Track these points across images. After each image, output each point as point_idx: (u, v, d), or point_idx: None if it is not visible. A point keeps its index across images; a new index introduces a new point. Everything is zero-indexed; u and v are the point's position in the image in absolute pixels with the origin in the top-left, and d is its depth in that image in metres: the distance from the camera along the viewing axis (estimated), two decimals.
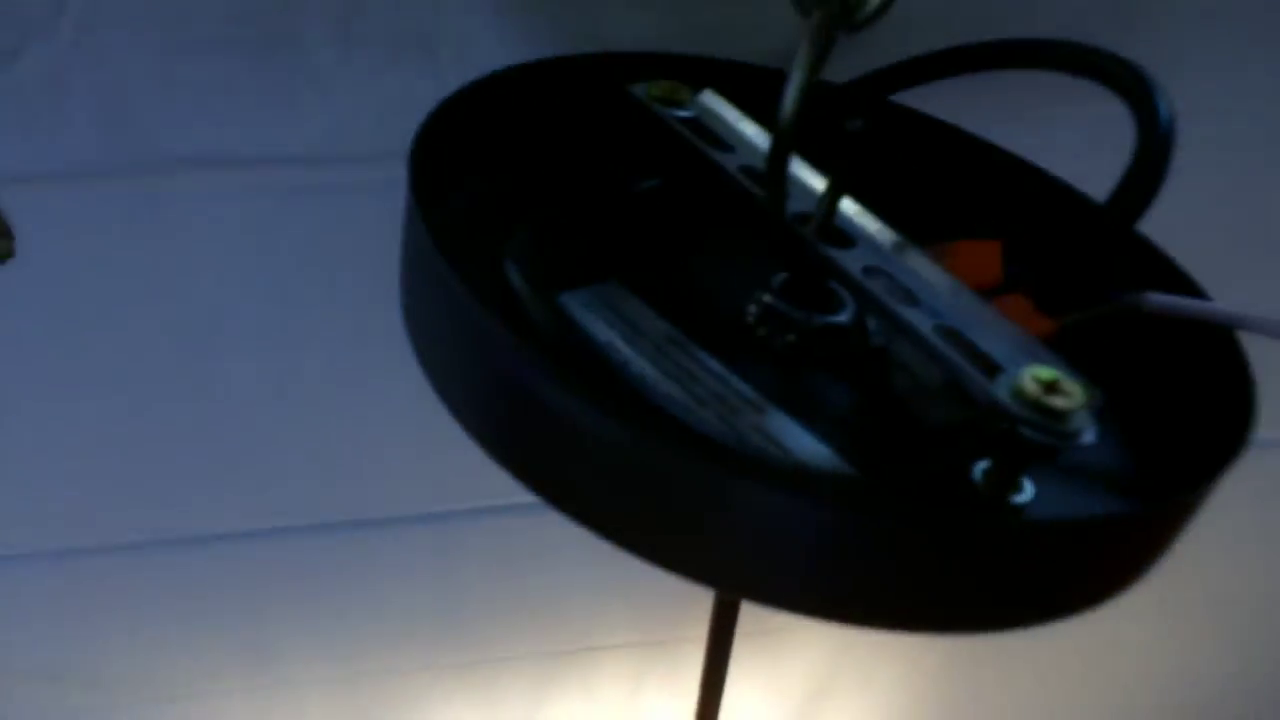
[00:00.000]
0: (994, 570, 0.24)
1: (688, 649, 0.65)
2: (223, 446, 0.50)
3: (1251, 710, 0.79)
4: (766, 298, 0.31)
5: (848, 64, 0.37)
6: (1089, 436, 0.25)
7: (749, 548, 0.24)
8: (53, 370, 0.46)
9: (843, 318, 0.31)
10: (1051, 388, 0.25)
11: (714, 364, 0.29)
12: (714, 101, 0.34)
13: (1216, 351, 0.30)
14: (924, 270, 0.29)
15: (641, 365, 0.29)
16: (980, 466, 0.27)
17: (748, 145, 0.32)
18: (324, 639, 0.60)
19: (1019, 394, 0.25)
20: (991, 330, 0.27)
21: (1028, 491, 0.27)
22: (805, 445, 0.27)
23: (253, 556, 0.55)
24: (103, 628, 0.57)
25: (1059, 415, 0.24)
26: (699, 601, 0.63)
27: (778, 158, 0.28)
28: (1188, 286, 0.32)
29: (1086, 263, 0.30)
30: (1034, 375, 0.25)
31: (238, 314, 0.46)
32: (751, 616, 0.64)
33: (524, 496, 0.55)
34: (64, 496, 0.51)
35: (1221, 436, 0.27)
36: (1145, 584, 0.70)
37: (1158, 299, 0.30)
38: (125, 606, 0.56)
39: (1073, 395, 0.25)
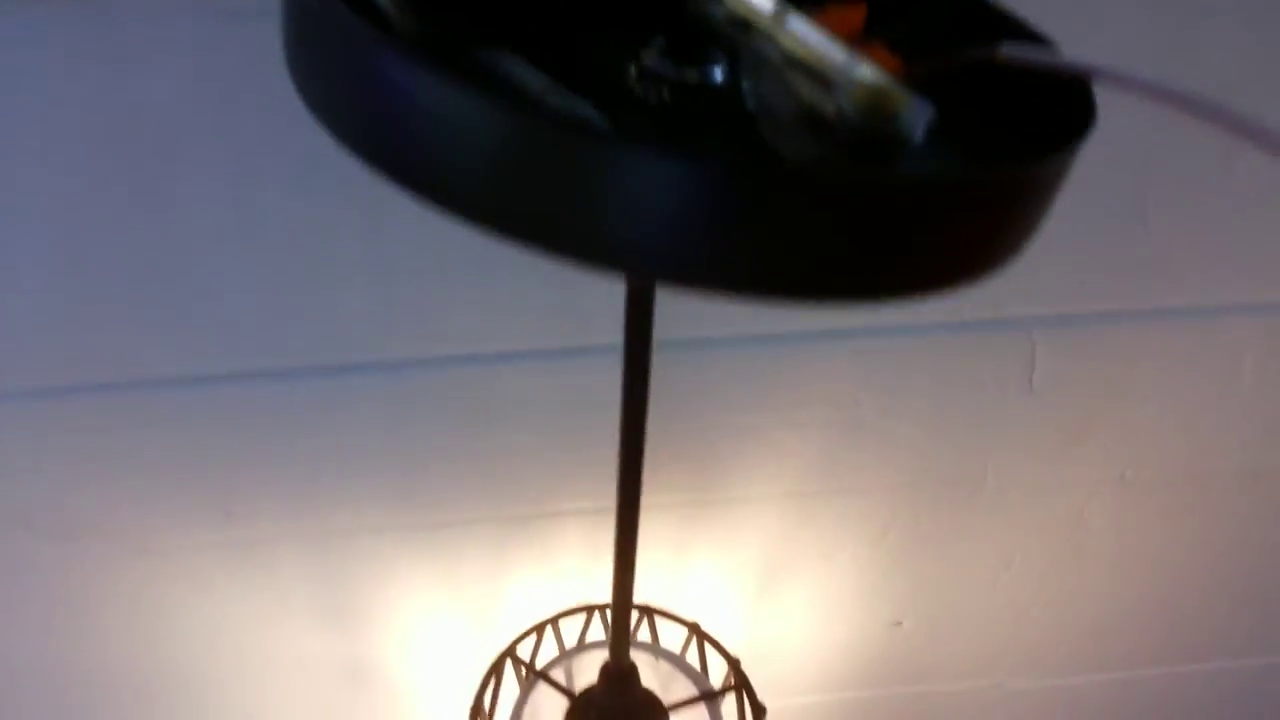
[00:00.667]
0: (845, 228, 0.25)
1: (646, 515, 0.66)
2: (179, 285, 0.52)
3: (1217, 594, 0.79)
4: (644, 57, 0.32)
5: None
6: (918, 134, 0.26)
7: (634, 221, 0.25)
8: (6, 207, 0.49)
9: (716, 78, 0.32)
10: (882, 95, 0.26)
11: (590, 110, 0.31)
12: None
13: (1068, 98, 0.31)
14: (787, 20, 0.30)
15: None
16: None
17: None
18: (288, 495, 0.62)
19: (853, 99, 0.26)
20: (839, 60, 0.28)
21: None
22: None
23: (214, 402, 0.57)
24: (73, 474, 0.59)
25: (888, 116, 0.26)
26: (656, 468, 0.64)
27: None
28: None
29: (947, 25, 0.31)
30: (866, 85, 0.26)
31: (189, 143, 0.48)
32: (705, 484, 0.65)
33: (480, 346, 0.57)
34: (25, 337, 0.53)
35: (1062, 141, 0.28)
36: (1106, 462, 0.70)
37: (1012, 49, 0.31)
38: (94, 452, 0.58)
39: (901, 100, 0.26)
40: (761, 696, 0.81)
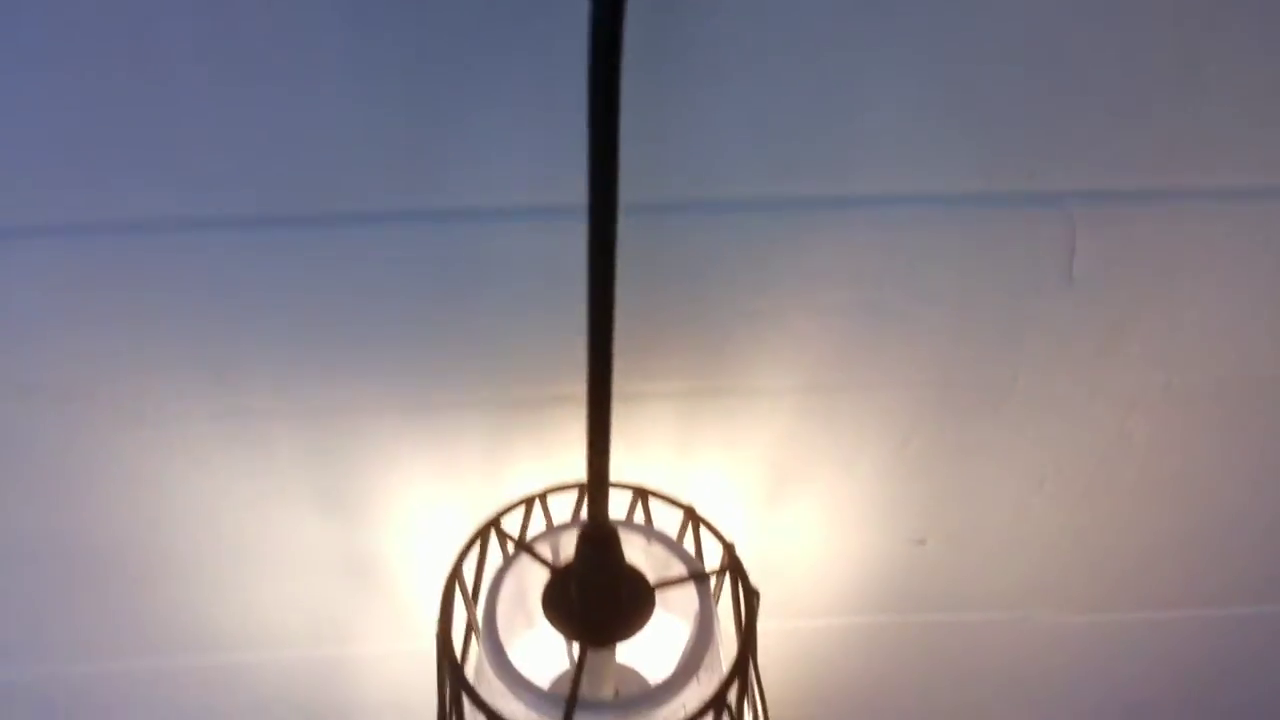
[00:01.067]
0: None
1: (650, 405, 0.63)
2: (163, 121, 0.50)
3: (1271, 528, 0.73)
4: None
5: None
6: None
7: None
8: None
9: None
10: None
11: None
12: None
13: None
14: None
15: None
16: None
17: None
18: (282, 363, 0.60)
19: None
20: None
21: None
22: None
23: (200, 250, 0.55)
24: (61, 328, 0.57)
25: None
26: (652, 357, 0.61)
27: None
28: None
29: None
30: None
31: None
32: (711, 371, 0.62)
33: (478, 199, 0.54)
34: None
35: None
36: (1150, 367, 0.65)
37: None
38: (81, 303, 0.56)
39: None
40: (770, 618, 0.78)
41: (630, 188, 0.52)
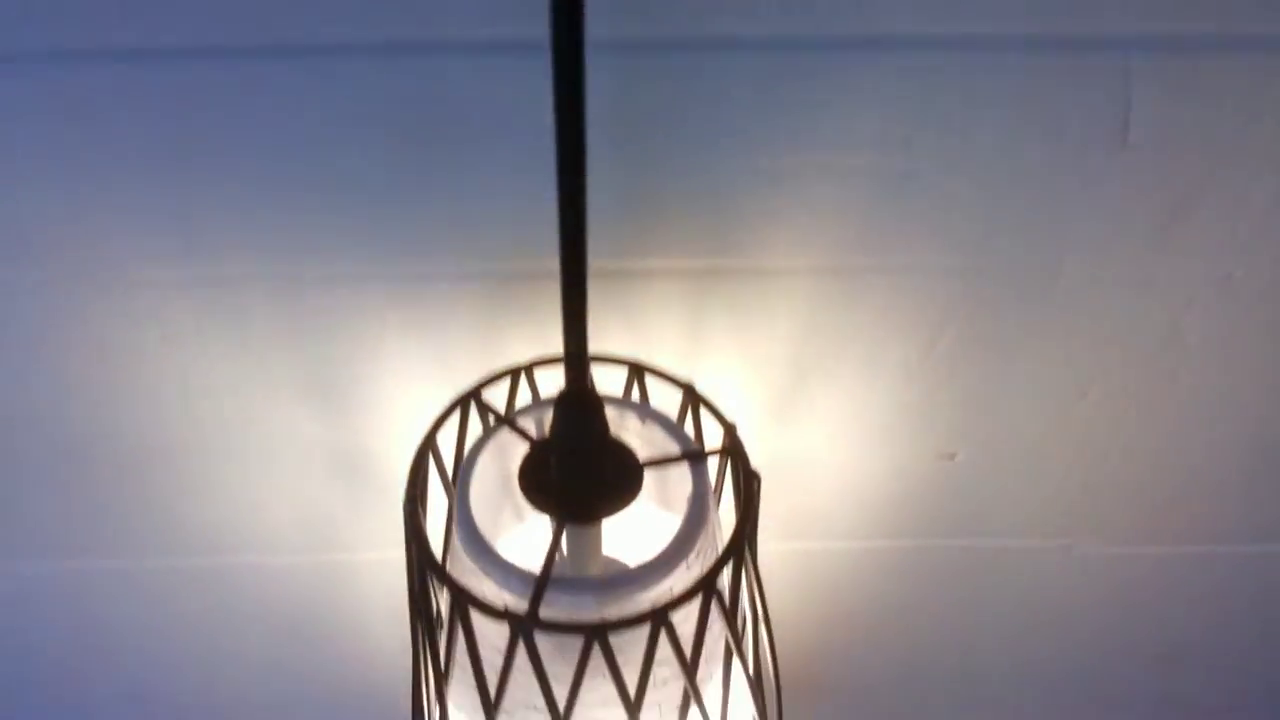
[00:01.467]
0: None
1: (653, 286, 0.58)
2: None
3: None
4: None
5: None
6: None
7: None
8: None
9: None
10: None
11: None
12: None
13: None
14: None
15: None
16: None
17: None
18: (250, 212, 0.55)
19: None
20: None
21: None
22: None
23: (154, 82, 0.50)
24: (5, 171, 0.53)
25: None
26: (656, 229, 0.56)
27: None
28: None
29: None
30: None
31: None
32: (721, 248, 0.56)
33: (468, 31, 0.48)
34: None
35: None
36: (1211, 255, 0.58)
37: None
38: (29, 142, 0.52)
39: None
40: (783, 538, 0.72)
41: (624, 20, 0.47)
